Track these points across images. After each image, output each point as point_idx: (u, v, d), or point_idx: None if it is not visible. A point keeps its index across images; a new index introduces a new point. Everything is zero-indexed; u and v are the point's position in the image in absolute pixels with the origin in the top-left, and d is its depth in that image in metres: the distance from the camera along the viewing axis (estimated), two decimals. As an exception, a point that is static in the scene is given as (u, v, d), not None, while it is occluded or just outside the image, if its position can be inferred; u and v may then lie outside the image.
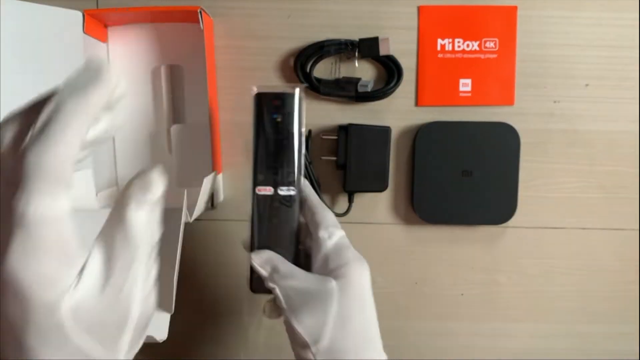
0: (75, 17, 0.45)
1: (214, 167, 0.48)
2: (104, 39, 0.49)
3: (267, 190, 0.40)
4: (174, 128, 0.49)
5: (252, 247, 0.39)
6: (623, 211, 0.52)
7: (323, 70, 0.50)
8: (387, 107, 0.51)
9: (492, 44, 0.50)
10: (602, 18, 0.50)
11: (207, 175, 0.45)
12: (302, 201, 0.40)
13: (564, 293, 0.53)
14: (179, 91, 0.50)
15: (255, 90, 0.40)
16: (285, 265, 0.37)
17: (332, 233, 0.38)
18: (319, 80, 0.50)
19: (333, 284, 0.35)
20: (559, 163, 0.51)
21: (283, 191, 0.40)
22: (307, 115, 0.50)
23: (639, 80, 0.51)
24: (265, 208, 0.39)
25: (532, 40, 0.50)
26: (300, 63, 0.49)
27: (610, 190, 0.52)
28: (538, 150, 0.51)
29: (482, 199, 0.50)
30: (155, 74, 0.50)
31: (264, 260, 0.37)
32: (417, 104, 0.51)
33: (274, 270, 0.37)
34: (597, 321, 0.54)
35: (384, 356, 0.36)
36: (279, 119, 0.39)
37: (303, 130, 0.40)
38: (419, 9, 0.50)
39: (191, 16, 0.46)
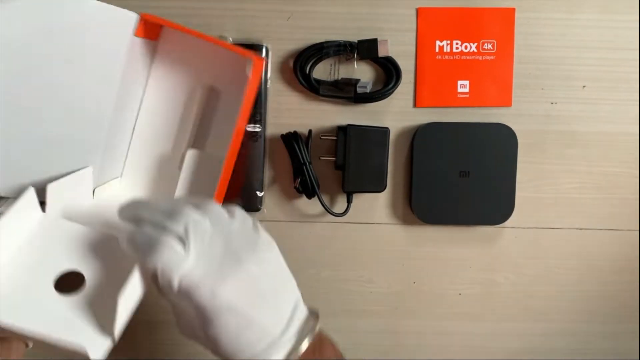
0: (129, 17, 0.43)
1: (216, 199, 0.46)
2: (155, 37, 0.47)
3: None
4: (190, 152, 0.47)
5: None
6: (620, 212, 0.52)
7: (322, 71, 0.51)
8: (386, 108, 0.51)
9: (490, 46, 0.50)
10: (599, 20, 0.50)
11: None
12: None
13: (561, 293, 0.53)
14: (209, 116, 0.48)
15: (230, 40, 0.47)
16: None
17: (171, 281, 0.34)
18: (318, 81, 0.50)
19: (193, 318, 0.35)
20: (556, 164, 0.52)
21: (251, 128, 0.48)
22: (306, 115, 0.51)
23: (638, 81, 0.51)
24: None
25: (530, 42, 0.51)
26: (300, 64, 0.49)
27: (607, 191, 0.52)
28: (535, 151, 0.52)
29: (479, 199, 0.50)
30: (193, 91, 0.48)
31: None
32: (415, 105, 0.51)
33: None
34: (594, 321, 0.54)
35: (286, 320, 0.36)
36: None
37: (269, 77, 0.49)
38: (418, 10, 0.50)
39: (245, 53, 0.43)
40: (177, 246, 0.33)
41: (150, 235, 0.33)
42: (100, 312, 0.34)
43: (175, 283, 0.33)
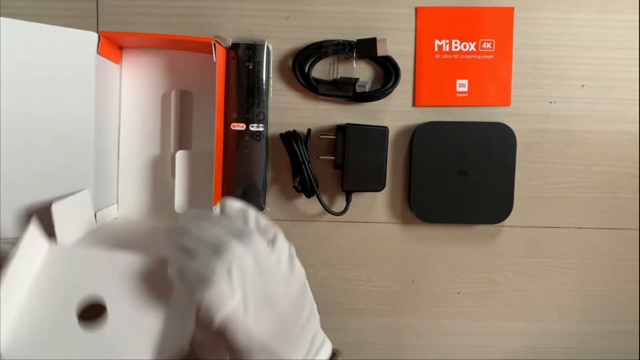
0: (90, 38, 0.44)
1: (215, 196, 0.47)
2: (117, 60, 0.49)
3: (240, 127, 0.49)
4: (179, 153, 0.49)
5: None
6: (618, 210, 0.53)
7: (321, 70, 0.51)
8: (385, 108, 0.51)
9: (488, 45, 0.50)
10: (598, 19, 0.50)
11: (208, 202, 0.45)
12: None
13: (559, 292, 0.54)
14: (188, 117, 0.50)
15: (231, 41, 0.48)
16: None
17: (213, 318, 0.33)
18: (317, 80, 0.50)
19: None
20: (554, 163, 0.52)
21: (254, 127, 0.49)
22: (305, 115, 0.51)
23: (636, 80, 0.51)
24: (239, 141, 0.48)
25: (529, 41, 0.51)
26: (299, 64, 0.50)
27: (606, 190, 0.52)
28: (534, 150, 0.52)
29: (478, 198, 0.50)
30: (165, 99, 0.50)
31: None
32: (414, 104, 0.51)
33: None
34: (593, 320, 0.54)
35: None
36: (250, 67, 0.48)
37: (271, 76, 0.49)
38: (417, 10, 0.50)
39: (205, 47, 0.45)
40: (225, 285, 0.33)
41: (201, 271, 0.33)
42: (125, 343, 0.34)
43: (217, 321, 0.33)
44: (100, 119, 0.46)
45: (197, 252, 0.34)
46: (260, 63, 0.49)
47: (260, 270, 0.35)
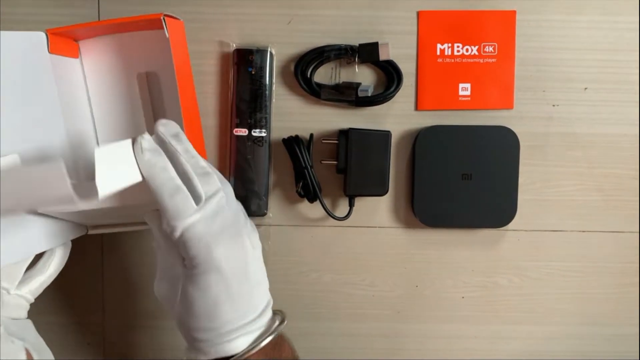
0: (39, 38, 0.43)
1: None
2: (75, 54, 0.48)
3: (242, 132, 0.49)
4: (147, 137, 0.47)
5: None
6: (622, 214, 0.52)
7: (323, 75, 0.51)
8: (387, 112, 0.51)
9: (491, 49, 0.50)
10: (600, 22, 0.50)
11: None
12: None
13: (563, 295, 0.53)
14: (158, 99, 0.49)
15: (233, 46, 0.49)
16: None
17: (175, 227, 0.35)
18: (319, 85, 0.50)
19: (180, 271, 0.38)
20: (558, 166, 0.52)
21: (256, 133, 0.49)
22: (307, 119, 0.51)
23: (638, 83, 0.51)
24: (241, 146, 0.49)
25: (531, 44, 0.50)
26: (301, 68, 0.49)
27: (609, 192, 0.52)
28: (537, 153, 0.52)
29: (482, 202, 0.50)
30: (130, 83, 0.49)
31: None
32: (416, 108, 0.51)
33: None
34: (597, 323, 0.54)
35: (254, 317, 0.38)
36: (253, 72, 0.49)
37: (274, 81, 0.50)
38: (419, 14, 0.50)
39: (157, 24, 0.43)
40: (192, 201, 0.35)
41: (176, 182, 0.35)
42: None
43: (179, 231, 0.35)
44: (70, 118, 0.45)
45: (184, 167, 0.36)
46: (263, 68, 0.49)
47: (230, 209, 0.38)
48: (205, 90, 0.51)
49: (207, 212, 0.36)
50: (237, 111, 0.49)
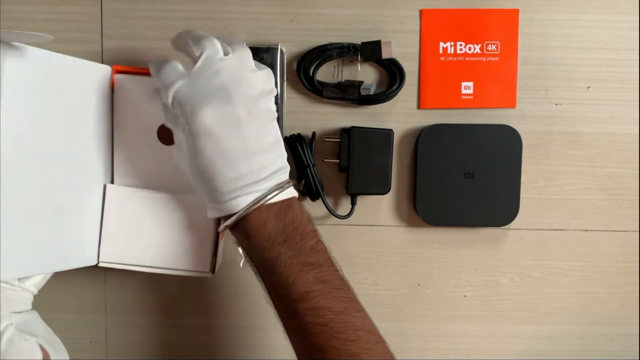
0: (102, 70, 0.45)
1: None
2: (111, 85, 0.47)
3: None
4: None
5: None
6: (625, 213, 0.52)
7: (326, 73, 0.51)
8: (390, 110, 0.51)
9: (493, 47, 0.50)
10: (604, 20, 0.50)
11: None
12: None
13: (565, 295, 0.53)
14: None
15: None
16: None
17: (165, 97, 0.38)
18: (321, 83, 0.50)
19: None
20: (560, 165, 0.52)
21: None
22: (310, 118, 0.51)
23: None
24: None
25: (534, 43, 0.50)
26: (303, 67, 0.49)
27: (612, 192, 0.52)
28: (540, 152, 0.51)
29: (484, 201, 0.50)
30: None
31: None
32: (419, 106, 0.51)
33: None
34: (600, 323, 0.54)
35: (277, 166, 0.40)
36: None
37: (285, 80, 0.49)
38: (421, 12, 0.50)
39: None
40: (180, 67, 0.38)
41: (164, 58, 0.39)
42: None
43: (170, 98, 0.37)
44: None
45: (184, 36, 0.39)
46: (273, 66, 0.48)
47: (233, 71, 0.38)
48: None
49: (192, 74, 0.37)
50: None
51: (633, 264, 0.53)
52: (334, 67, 0.50)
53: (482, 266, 0.53)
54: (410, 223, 0.52)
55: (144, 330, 0.53)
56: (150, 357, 0.54)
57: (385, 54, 0.49)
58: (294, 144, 0.49)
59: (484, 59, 0.50)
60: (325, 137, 0.50)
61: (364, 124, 0.50)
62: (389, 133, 0.50)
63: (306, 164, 0.49)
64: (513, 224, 0.51)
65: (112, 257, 0.45)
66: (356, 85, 0.49)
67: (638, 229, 0.52)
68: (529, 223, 0.52)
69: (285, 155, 0.41)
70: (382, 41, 0.49)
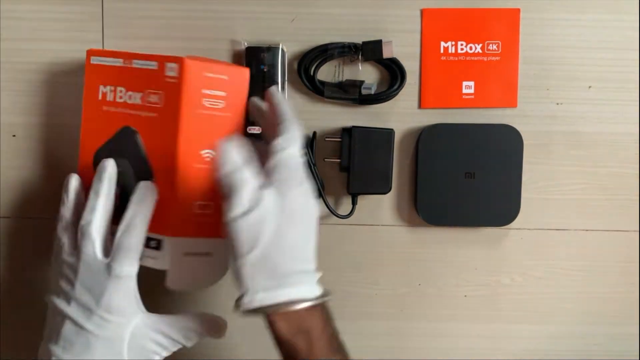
0: None
1: None
2: None
3: (256, 130, 0.47)
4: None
5: None
6: (626, 213, 0.52)
7: (326, 73, 0.51)
8: (391, 110, 0.51)
9: (494, 47, 0.50)
10: (605, 20, 0.50)
11: None
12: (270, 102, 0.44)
13: (566, 294, 0.53)
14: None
15: (245, 44, 0.49)
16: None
17: (287, 145, 0.39)
18: (322, 83, 0.50)
19: (269, 200, 0.37)
20: (561, 165, 0.52)
21: None
22: (311, 117, 0.51)
23: (641, 82, 0.51)
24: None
25: (535, 42, 0.50)
26: (304, 66, 0.49)
27: (613, 192, 0.52)
28: (541, 152, 0.51)
29: (485, 200, 0.50)
30: None
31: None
32: (420, 106, 0.51)
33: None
34: (601, 322, 0.54)
35: (313, 269, 0.40)
36: (265, 70, 0.48)
37: (286, 80, 0.49)
38: (422, 12, 0.50)
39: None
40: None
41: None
42: None
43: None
44: None
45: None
46: (275, 66, 0.49)
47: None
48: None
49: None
50: None
51: (634, 263, 0.53)
52: (335, 66, 0.50)
53: (483, 266, 0.53)
54: (411, 223, 0.52)
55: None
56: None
57: (386, 54, 0.49)
58: (295, 144, 0.49)
59: (485, 59, 0.50)
60: (326, 137, 0.50)
61: (364, 123, 0.50)
62: (389, 133, 0.50)
63: (307, 163, 0.49)
64: (514, 224, 0.51)
65: None
66: (357, 84, 0.49)
67: (638, 229, 0.52)
68: (530, 223, 0.52)
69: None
70: (383, 41, 0.49)
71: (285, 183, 0.38)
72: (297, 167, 0.39)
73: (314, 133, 0.50)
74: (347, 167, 0.49)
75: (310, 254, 0.39)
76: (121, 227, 0.40)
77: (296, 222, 0.38)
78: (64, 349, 0.39)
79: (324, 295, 0.39)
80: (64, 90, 0.50)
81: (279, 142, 0.39)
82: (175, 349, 0.42)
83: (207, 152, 0.43)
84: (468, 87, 0.51)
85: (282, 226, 0.37)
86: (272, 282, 0.37)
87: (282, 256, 0.37)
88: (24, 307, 0.52)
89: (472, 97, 0.51)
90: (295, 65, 0.50)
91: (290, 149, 0.39)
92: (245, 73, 0.46)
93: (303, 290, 0.38)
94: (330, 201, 0.51)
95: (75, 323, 0.39)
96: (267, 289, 0.37)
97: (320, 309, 0.39)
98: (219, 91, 0.43)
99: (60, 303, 0.40)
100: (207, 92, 0.42)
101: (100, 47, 0.50)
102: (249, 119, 0.47)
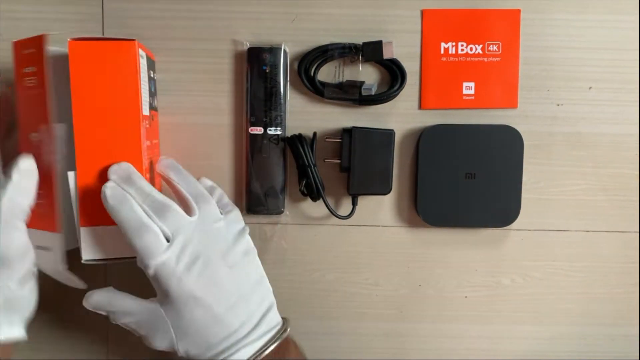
0: None
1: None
2: None
3: (257, 130, 0.49)
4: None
5: (248, 179, 0.50)
6: (626, 214, 0.52)
7: (327, 73, 0.50)
8: (391, 110, 0.51)
9: (495, 47, 0.50)
10: (606, 21, 0.50)
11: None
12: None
13: (567, 295, 0.53)
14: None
15: (247, 45, 0.49)
16: (118, 303, 0.41)
17: (147, 265, 0.38)
18: (323, 84, 0.50)
19: (160, 310, 0.39)
20: (562, 166, 0.52)
21: (272, 131, 0.49)
22: (311, 118, 0.51)
23: (642, 82, 0.51)
24: (257, 145, 0.49)
25: (535, 43, 0.50)
26: (304, 67, 0.49)
27: (614, 192, 0.52)
28: (541, 152, 0.51)
29: (485, 201, 0.50)
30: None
31: (95, 306, 0.41)
32: (420, 107, 0.51)
33: (110, 312, 0.41)
34: (601, 324, 0.54)
35: (249, 324, 0.40)
36: (267, 70, 0.49)
37: (288, 80, 0.50)
38: (422, 12, 0.50)
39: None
40: (162, 238, 0.38)
41: (141, 219, 0.38)
42: None
43: (152, 269, 0.38)
44: None
45: (143, 205, 0.38)
46: (277, 66, 0.49)
47: (203, 231, 0.39)
48: (220, 89, 0.51)
49: (176, 248, 0.38)
50: (252, 110, 0.49)
51: (634, 264, 0.53)
52: (335, 67, 0.50)
53: (484, 267, 0.53)
54: (411, 223, 0.52)
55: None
56: (151, 357, 0.54)
57: (386, 54, 0.49)
58: (295, 144, 0.49)
59: (485, 59, 0.50)
60: (327, 138, 0.50)
61: (365, 124, 0.50)
62: (390, 133, 0.50)
63: (307, 164, 0.49)
64: (514, 225, 0.51)
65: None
66: (357, 85, 0.49)
67: (638, 230, 0.52)
68: (531, 224, 0.52)
69: (270, 288, 0.43)
70: (383, 41, 0.49)
71: (167, 298, 0.39)
72: (168, 279, 0.38)
73: (314, 134, 0.50)
74: (347, 168, 0.49)
75: (227, 322, 0.40)
76: None
77: (191, 311, 0.39)
78: None
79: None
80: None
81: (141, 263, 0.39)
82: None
83: (35, 135, 0.41)
84: (468, 88, 0.50)
85: (182, 322, 0.39)
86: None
87: (201, 343, 0.40)
88: None
89: (473, 97, 0.51)
90: (296, 66, 0.50)
91: (150, 268, 0.38)
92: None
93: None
94: (331, 202, 0.51)
95: None
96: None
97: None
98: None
99: None
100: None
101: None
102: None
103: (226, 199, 0.45)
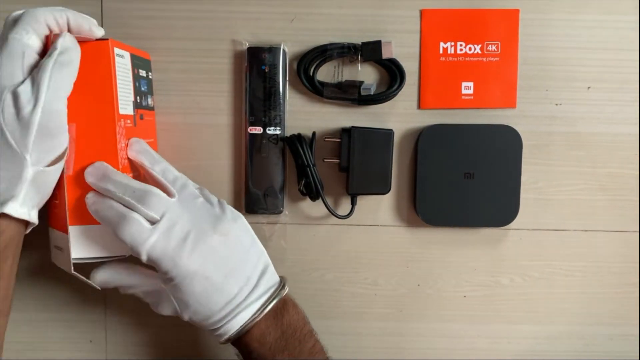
0: None
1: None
2: None
3: (257, 130, 0.49)
4: None
5: (247, 178, 0.50)
6: (625, 213, 0.52)
7: (326, 73, 0.51)
8: (390, 110, 0.51)
9: (494, 47, 0.50)
10: (604, 21, 0.50)
11: None
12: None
13: (565, 295, 0.53)
14: None
15: (246, 44, 0.49)
16: (122, 278, 0.43)
17: (139, 253, 0.39)
18: (322, 83, 0.50)
19: (161, 284, 0.41)
20: (561, 165, 0.52)
21: (271, 131, 0.49)
22: (310, 118, 0.51)
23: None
24: (256, 144, 0.49)
25: (534, 43, 0.50)
26: (304, 66, 0.49)
27: (612, 192, 0.52)
28: (540, 152, 0.51)
29: (484, 201, 0.50)
30: None
31: (101, 284, 0.43)
32: (419, 107, 0.51)
33: (116, 286, 0.43)
34: (600, 323, 0.54)
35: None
36: (267, 70, 0.49)
37: (287, 80, 0.49)
38: (422, 12, 0.50)
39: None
40: (145, 223, 0.39)
41: (120, 212, 0.39)
42: None
43: (144, 256, 0.39)
44: None
45: (122, 198, 0.39)
46: (276, 66, 0.49)
47: (188, 210, 0.40)
48: (219, 89, 0.51)
49: (162, 229, 0.39)
50: (251, 109, 0.49)
51: (633, 264, 0.53)
52: (335, 67, 0.50)
53: (482, 266, 0.53)
54: (410, 223, 0.52)
55: (144, 330, 0.53)
56: (150, 357, 0.54)
57: (385, 54, 0.49)
58: (294, 144, 0.49)
59: (484, 59, 0.50)
60: (326, 137, 0.50)
61: (364, 124, 0.50)
62: (389, 133, 0.50)
63: (306, 163, 0.49)
64: (513, 224, 0.51)
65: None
66: (356, 85, 0.49)
67: (638, 230, 0.52)
68: (529, 223, 0.52)
69: (264, 249, 0.44)
70: (382, 41, 0.49)
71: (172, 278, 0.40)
72: (162, 260, 0.39)
73: (314, 133, 0.50)
74: (346, 168, 0.49)
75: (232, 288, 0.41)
76: None
77: (193, 288, 0.40)
78: None
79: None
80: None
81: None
82: None
83: None
84: (467, 88, 0.51)
85: (188, 298, 0.41)
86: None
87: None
88: None
89: (472, 97, 0.51)
90: (295, 66, 0.50)
91: (145, 248, 0.39)
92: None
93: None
94: (330, 201, 0.51)
95: None
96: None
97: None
98: None
99: None
100: None
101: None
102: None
103: (172, 174, 0.43)
